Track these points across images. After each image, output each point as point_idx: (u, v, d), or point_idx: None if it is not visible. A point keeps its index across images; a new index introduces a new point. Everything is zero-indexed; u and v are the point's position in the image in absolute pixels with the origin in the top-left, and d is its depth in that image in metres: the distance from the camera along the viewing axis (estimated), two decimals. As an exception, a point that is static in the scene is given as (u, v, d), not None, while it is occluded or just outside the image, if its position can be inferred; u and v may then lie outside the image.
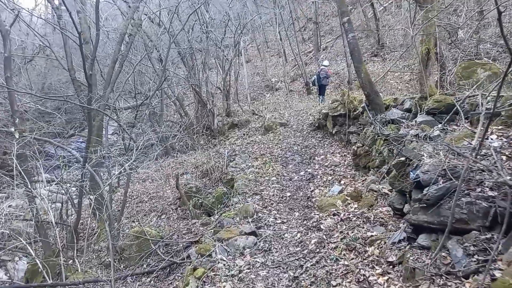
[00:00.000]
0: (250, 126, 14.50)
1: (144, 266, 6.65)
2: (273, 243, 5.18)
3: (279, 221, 5.98)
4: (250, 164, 9.56)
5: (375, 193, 5.84)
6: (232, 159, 10.60)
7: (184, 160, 12.41)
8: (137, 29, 9.47)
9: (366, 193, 6.00)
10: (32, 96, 9.98)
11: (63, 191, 9.94)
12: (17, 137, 5.59)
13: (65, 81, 21.49)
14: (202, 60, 16.62)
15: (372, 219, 4.92)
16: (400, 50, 17.12)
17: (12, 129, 6.08)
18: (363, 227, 4.77)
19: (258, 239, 5.27)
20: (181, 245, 6.98)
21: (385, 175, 6.03)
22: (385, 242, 4.13)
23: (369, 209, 5.36)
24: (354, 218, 5.16)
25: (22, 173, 5.28)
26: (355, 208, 5.58)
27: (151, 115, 16.16)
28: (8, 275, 10.48)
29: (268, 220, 6.02)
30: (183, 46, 15.61)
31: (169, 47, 12.61)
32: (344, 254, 4.23)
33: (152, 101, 14.25)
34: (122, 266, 6.98)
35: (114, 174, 7.72)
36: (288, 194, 7.25)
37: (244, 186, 7.81)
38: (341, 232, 4.87)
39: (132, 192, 10.99)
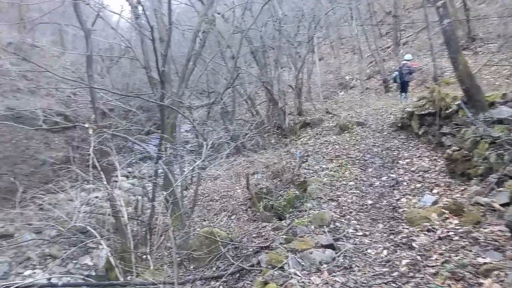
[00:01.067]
0: (323, 126, 13.75)
1: (213, 269, 6.42)
2: (354, 259, 4.52)
3: (360, 233, 5.29)
4: (324, 166, 8.91)
5: (481, 207, 4.84)
6: (304, 160, 10.04)
7: (255, 160, 12.15)
8: (211, 26, 9.39)
9: (469, 207, 5.02)
10: (115, 95, 10.49)
11: (139, 187, 10.29)
12: (91, 132, 5.72)
13: (146, 81, 22.77)
14: (274, 58, 16.26)
15: (482, 240, 4.01)
16: (496, 42, 15.05)
17: (86, 125, 6.28)
18: (471, 251, 3.89)
19: (336, 253, 4.66)
20: (251, 250, 6.63)
21: (495, 186, 4.98)
22: (506, 274, 3.26)
23: (475, 227, 4.42)
24: (457, 238, 4.28)
25: (99, 167, 5.36)
26: (456, 224, 4.66)
27: (223, 114, 16.27)
28: (93, 262, 11.22)
29: (347, 231, 5.36)
30: (256, 44, 15.41)
31: (240, 43, 12.45)
32: (449, 285, 3.44)
33: (224, 100, 14.28)
34: (192, 267, 6.84)
35: (185, 171, 7.68)
36: (369, 202, 6.47)
37: (319, 190, 7.21)
38: (440, 254, 4.04)
39: (204, 190, 11.00)
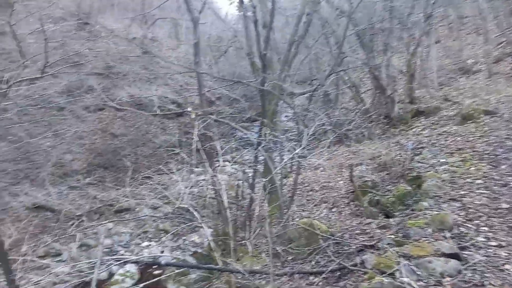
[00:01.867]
0: (440, 114, 12.14)
1: (312, 263, 6.10)
2: (487, 275, 3.70)
3: (494, 244, 4.34)
4: (443, 160, 7.77)
5: None
6: (417, 153, 8.95)
7: (359, 150, 11.36)
8: (315, 8, 8.91)
9: None
10: (219, 82, 10.85)
11: (240, 172, 10.48)
12: (193, 116, 5.87)
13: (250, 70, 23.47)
14: (384, 41, 14.91)
15: None
16: None
17: (189, 109, 6.49)
18: None
19: (463, 265, 3.88)
20: (353, 247, 6.11)
21: None
22: None
23: None
24: None
25: (203, 151, 5.47)
26: None
27: (325, 102, 15.67)
28: (199, 240, 11.99)
29: (475, 240, 4.46)
30: (362, 27, 14.31)
31: (346, 27, 11.64)
32: None
33: (326, 87, 13.67)
34: (289, 258, 6.63)
35: (285, 159, 7.47)
36: (505, 205, 5.33)
37: (437, 187, 6.25)
38: None
39: (303, 180, 10.70)
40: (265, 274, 5.65)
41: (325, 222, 7.57)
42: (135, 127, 16.06)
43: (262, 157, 7.68)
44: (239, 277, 5.35)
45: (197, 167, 7.52)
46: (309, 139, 6.23)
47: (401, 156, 8.91)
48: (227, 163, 11.22)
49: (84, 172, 13.17)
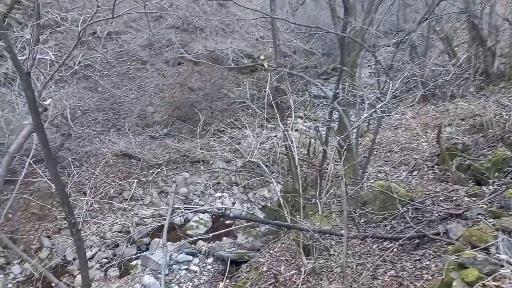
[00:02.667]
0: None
1: (387, 228, 5.71)
2: None
3: None
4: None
5: None
6: (522, 114, 7.64)
7: (448, 110, 10.14)
8: None
9: None
10: (297, 35, 10.26)
11: (313, 129, 10.10)
12: (265, 65, 5.56)
13: (330, 23, 22.03)
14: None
15: None
16: None
17: (262, 57, 6.17)
18: None
19: None
20: (436, 215, 5.56)
21: None
22: None
23: None
24: None
25: (275, 106, 5.22)
26: None
27: (412, 56, 14.11)
28: (269, 194, 12.18)
29: None
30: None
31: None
32: None
33: (415, 38, 12.20)
34: (362, 220, 6.31)
35: (363, 116, 6.92)
36: None
37: (548, 154, 5.27)
38: None
39: (381, 139, 9.98)
40: (335, 235, 5.44)
41: (404, 186, 7.00)
42: (210, 82, 16.29)
43: (337, 114, 7.19)
44: (307, 235, 5.22)
45: (269, 123, 7.33)
46: (393, 94, 5.57)
47: (502, 117, 7.72)
48: (299, 119, 10.90)
49: (163, 124, 13.92)
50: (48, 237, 9.11)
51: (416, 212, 5.81)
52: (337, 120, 9.26)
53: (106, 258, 8.77)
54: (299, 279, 4.87)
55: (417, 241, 5.11)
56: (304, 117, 8.84)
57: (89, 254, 8.86)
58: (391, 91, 5.32)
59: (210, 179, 12.88)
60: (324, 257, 5.28)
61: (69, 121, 8.88)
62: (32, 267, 7.95)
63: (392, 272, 4.74)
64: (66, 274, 8.39)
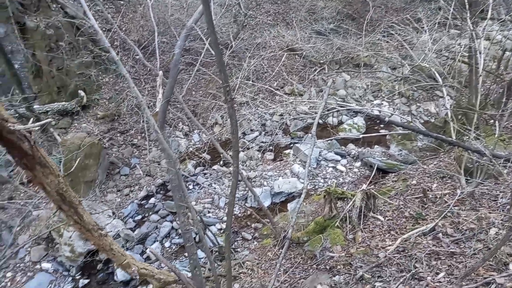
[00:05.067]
0: None
1: None
2: None
3: None
4: None
5: None
6: None
7: None
8: None
9: None
10: None
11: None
12: None
13: None
14: None
15: None
16: None
17: None
18: None
19: None
20: None
21: None
22: None
23: None
24: None
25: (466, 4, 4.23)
26: None
27: None
28: (436, 110, 10.94)
29: None
30: None
31: None
32: None
33: None
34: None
35: None
36: None
37: None
38: None
39: None
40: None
41: None
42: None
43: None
44: (474, 157, 4.60)
45: (454, 26, 6.15)
46: None
47: None
48: (494, 26, 8.74)
49: (331, 20, 13.35)
50: (222, 117, 10.69)
51: None
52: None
53: (264, 142, 9.88)
54: (452, 200, 4.51)
55: None
56: (503, 21, 7.06)
57: (251, 136, 10.16)
58: None
59: (371, 85, 12.22)
60: (490, 183, 4.66)
61: (243, 9, 9.35)
62: (206, 137, 9.72)
63: None
64: (232, 149, 9.90)
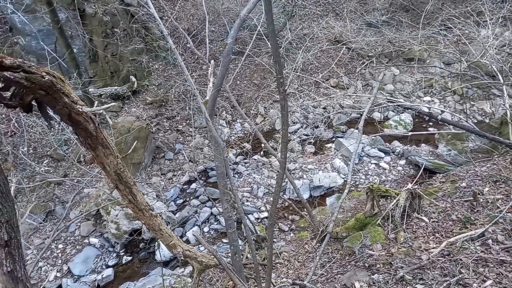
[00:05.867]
0: None
1: None
2: None
3: None
4: None
5: None
6: None
7: None
8: None
9: None
10: None
11: None
12: None
13: None
14: None
15: None
16: None
17: None
18: None
19: None
20: None
21: None
22: None
23: None
24: None
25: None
26: None
27: None
28: (491, 109, 10.27)
29: None
30: None
31: None
32: None
33: None
34: None
35: None
36: None
37: None
38: None
39: None
40: None
41: None
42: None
43: None
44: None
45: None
46: None
47: None
48: None
49: (384, 11, 12.85)
50: (264, 108, 10.75)
51: None
52: None
53: (306, 135, 9.81)
54: (505, 205, 4.26)
55: None
56: None
57: (293, 128, 10.13)
58: None
59: (422, 80, 11.68)
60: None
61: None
62: (249, 127, 9.80)
63: None
64: (273, 140, 9.94)
